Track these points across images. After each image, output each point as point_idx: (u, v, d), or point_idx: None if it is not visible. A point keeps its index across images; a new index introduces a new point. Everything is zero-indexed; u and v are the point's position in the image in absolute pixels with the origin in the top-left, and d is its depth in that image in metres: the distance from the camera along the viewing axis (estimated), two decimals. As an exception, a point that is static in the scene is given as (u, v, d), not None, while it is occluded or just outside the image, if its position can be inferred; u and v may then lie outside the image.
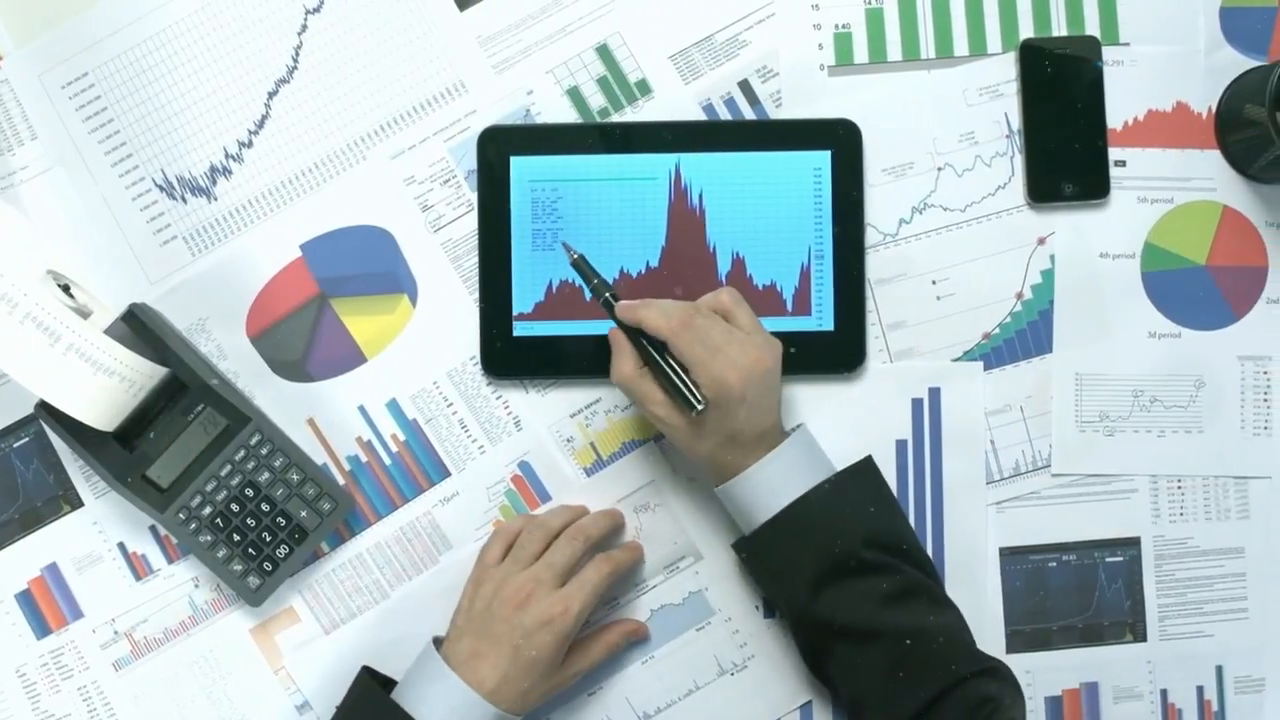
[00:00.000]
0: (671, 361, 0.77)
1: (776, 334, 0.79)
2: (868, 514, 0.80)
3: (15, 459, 0.86)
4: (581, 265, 0.80)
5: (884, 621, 0.77)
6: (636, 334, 0.78)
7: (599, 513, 0.85)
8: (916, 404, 0.87)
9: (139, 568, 0.86)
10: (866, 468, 0.82)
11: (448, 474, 0.87)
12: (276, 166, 0.87)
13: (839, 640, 0.78)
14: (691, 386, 0.76)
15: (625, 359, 0.79)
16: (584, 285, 0.81)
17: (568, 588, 0.80)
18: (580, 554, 0.81)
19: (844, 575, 0.77)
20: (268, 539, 0.84)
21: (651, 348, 0.78)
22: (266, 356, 0.86)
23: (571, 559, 0.81)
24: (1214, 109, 0.87)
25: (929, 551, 0.85)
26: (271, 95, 0.87)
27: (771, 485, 0.79)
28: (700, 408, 0.76)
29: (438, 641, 0.81)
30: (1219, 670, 0.87)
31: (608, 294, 0.79)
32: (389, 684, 0.81)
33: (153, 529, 0.86)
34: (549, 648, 0.78)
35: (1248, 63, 0.87)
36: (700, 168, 0.86)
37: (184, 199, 0.87)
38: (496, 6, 0.87)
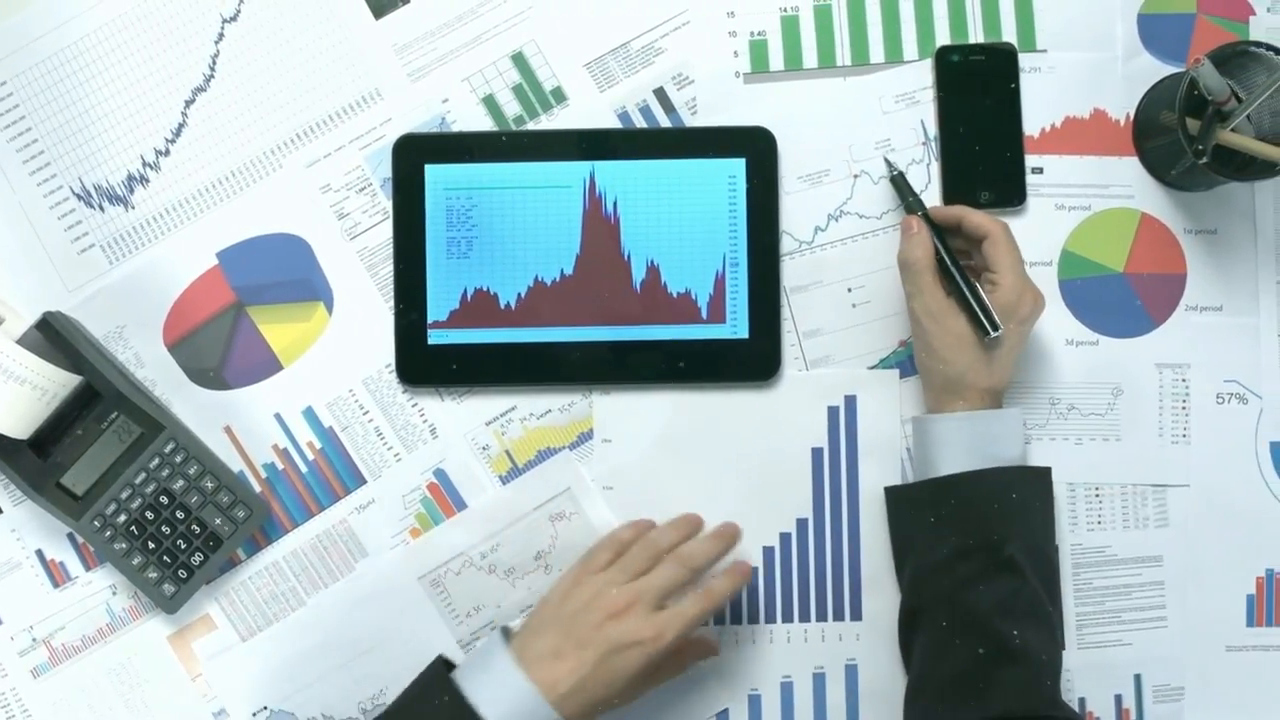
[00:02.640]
0: (970, 279, 0.80)
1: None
2: (1035, 515, 0.80)
3: (-67, 466, 0.87)
4: (900, 182, 0.84)
5: (995, 625, 0.76)
6: (941, 240, 0.81)
7: (711, 536, 0.81)
8: (832, 412, 0.86)
9: (57, 575, 0.87)
10: (1048, 476, 0.82)
11: (364, 481, 0.87)
12: (193, 175, 0.87)
13: (943, 613, 0.78)
14: (989, 307, 0.79)
15: (922, 244, 0.81)
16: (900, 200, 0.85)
17: (665, 614, 0.77)
18: (684, 582, 0.78)
19: (984, 561, 0.78)
20: (182, 546, 0.84)
21: (950, 263, 0.81)
22: (183, 364, 0.87)
23: (674, 585, 0.78)
24: (1131, 116, 0.87)
25: (844, 557, 0.85)
26: (189, 104, 0.87)
27: (977, 440, 0.80)
28: (995, 334, 0.78)
29: (505, 633, 0.78)
30: (1138, 679, 0.87)
31: (922, 211, 0.83)
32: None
33: (71, 536, 0.86)
34: (634, 667, 0.75)
35: (1166, 69, 0.87)
36: (615, 175, 0.85)
37: (101, 207, 0.87)
38: (412, 14, 0.87)
